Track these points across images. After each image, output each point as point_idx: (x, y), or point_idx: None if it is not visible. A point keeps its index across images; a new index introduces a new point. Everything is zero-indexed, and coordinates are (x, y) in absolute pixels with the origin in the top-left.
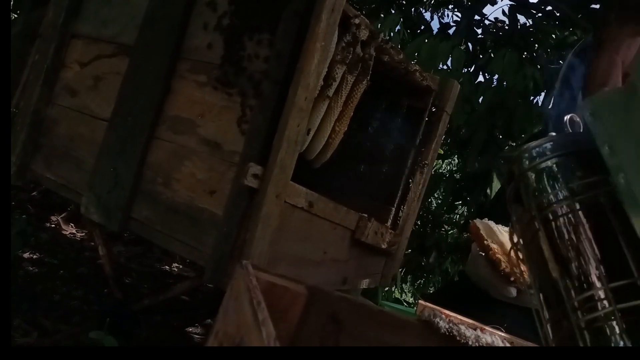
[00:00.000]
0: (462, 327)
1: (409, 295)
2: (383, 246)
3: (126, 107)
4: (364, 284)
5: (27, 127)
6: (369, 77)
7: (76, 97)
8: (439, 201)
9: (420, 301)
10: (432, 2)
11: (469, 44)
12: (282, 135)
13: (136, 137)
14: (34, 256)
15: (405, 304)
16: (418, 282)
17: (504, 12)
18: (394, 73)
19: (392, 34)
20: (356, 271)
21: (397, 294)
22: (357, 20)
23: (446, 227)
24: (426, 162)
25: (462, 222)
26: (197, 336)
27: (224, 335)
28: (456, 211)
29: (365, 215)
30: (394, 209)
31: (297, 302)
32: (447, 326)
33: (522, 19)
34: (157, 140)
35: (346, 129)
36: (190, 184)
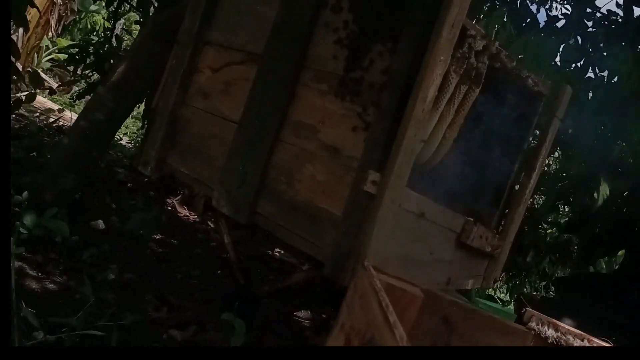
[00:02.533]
0: (570, 337)
1: (502, 292)
2: (487, 249)
3: (254, 111)
4: (467, 284)
5: (165, 125)
6: (480, 86)
7: (208, 100)
8: (541, 199)
9: (528, 309)
10: None
11: (578, 38)
12: (400, 145)
13: (263, 139)
14: (157, 236)
15: (499, 302)
16: (514, 280)
17: (617, 4)
18: (506, 78)
19: (498, 30)
20: (460, 272)
21: (490, 291)
22: (473, 32)
23: (545, 225)
24: (534, 167)
25: (563, 223)
26: (304, 321)
27: (351, 329)
28: (559, 212)
29: (472, 219)
30: (499, 212)
31: (414, 304)
32: (555, 335)
33: (637, 11)
34: (282, 143)
35: (456, 135)
36: (311, 185)
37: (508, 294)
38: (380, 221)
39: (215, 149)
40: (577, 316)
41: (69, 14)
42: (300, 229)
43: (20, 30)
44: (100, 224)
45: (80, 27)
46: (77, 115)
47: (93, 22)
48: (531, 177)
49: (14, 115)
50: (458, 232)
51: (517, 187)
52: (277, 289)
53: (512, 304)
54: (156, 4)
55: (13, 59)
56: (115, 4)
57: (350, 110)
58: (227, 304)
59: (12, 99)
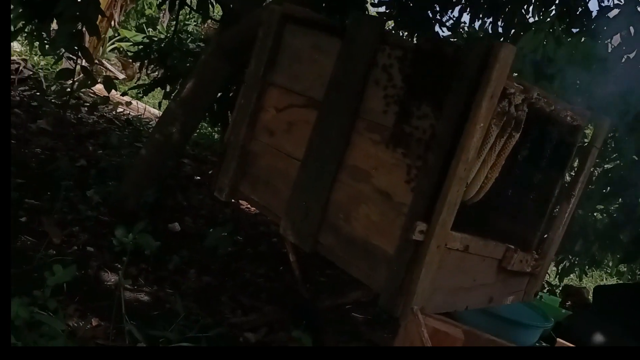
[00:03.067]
0: None
1: (552, 277)
2: (527, 270)
3: (314, 153)
4: (508, 300)
5: (237, 157)
6: (520, 131)
7: (273, 137)
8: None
9: (558, 339)
10: None
11: (631, 29)
12: (444, 200)
13: (323, 179)
14: (224, 234)
15: (546, 285)
16: (563, 264)
17: None
18: (546, 119)
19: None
20: (501, 291)
21: None
22: (512, 90)
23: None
24: (573, 193)
25: (614, 213)
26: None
27: None
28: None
29: (512, 246)
30: (539, 233)
31: (455, 344)
32: None
33: None
34: (339, 183)
35: (497, 174)
36: (366, 223)
37: (557, 278)
38: (427, 264)
39: (280, 182)
40: (614, 325)
41: (128, 2)
42: (357, 260)
43: None
44: (177, 226)
45: (137, 8)
46: (144, 107)
47: (149, 3)
48: (570, 202)
49: (94, 117)
50: (499, 258)
51: (556, 211)
52: (338, 304)
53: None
54: (218, 14)
55: (87, 64)
56: (176, 7)
57: (400, 161)
58: (294, 319)
59: (89, 102)
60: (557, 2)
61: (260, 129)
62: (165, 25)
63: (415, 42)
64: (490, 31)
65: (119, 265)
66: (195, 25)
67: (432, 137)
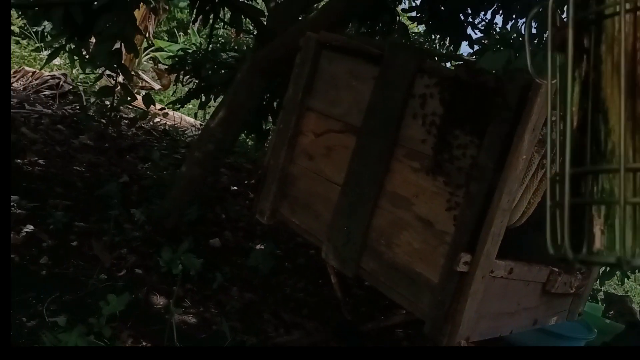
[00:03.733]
0: None
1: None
2: (571, 291)
3: (354, 178)
4: (552, 321)
5: (277, 181)
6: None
7: (312, 161)
8: None
9: None
10: None
11: None
12: (488, 231)
13: (363, 204)
14: (262, 246)
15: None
16: (604, 268)
17: None
18: None
19: None
20: (545, 312)
21: None
22: (553, 119)
23: None
24: None
25: None
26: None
27: None
28: None
29: (556, 269)
30: None
31: None
32: None
33: None
34: (380, 209)
35: (540, 199)
36: (408, 250)
37: (597, 282)
38: (472, 294)
39: (320, 206)
40: None
41: (161, 12)
42: (400, 287)
43: None
44: (217, 242)
45: (169, 16)
46: (180, 116)
47: (180, 8)
48: None
49: (133, 129)
50: (543, 282)
51: None
52: (381, 327)
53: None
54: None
55: (126, 81)
56: (210, 22)
57: (441, 189)
58: (337, 340)
59: (128, 117)
60: None
61: (299, 153)
62: (195, 29)
63: (453, 69)
64: (523, 32)
65: (167, 287)
66: (224, 28)
67: (473, 167)
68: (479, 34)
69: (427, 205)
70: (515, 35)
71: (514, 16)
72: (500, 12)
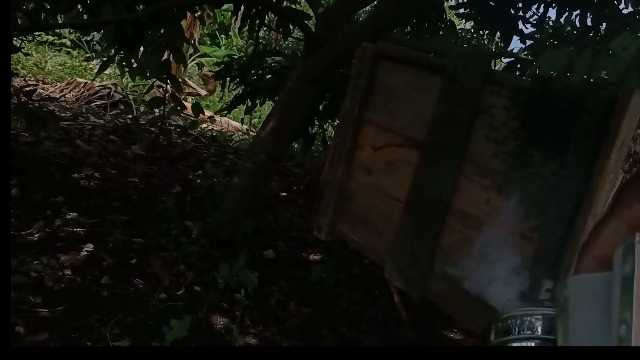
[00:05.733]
0: None
1: None
2: None
3: (419, 195)
4: None
5: (335, 196)
6: None
7: (372, 176)
8: None
9: None
10: None
11: None
12: (573, 257)
13: (430, 223)
14: (316, 256)
15: None
16: None
17: None
18: None
19: None
20: None
21: None
22: (639, 131)
23: None
24: None
25: None
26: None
27: None
28: None
29: None
30: None
31: None
32: None
33: None
34: (448, 228)
35: None
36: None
37: None
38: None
39: (381, 223)
40: None
41: (206, 18)
42: (473, 313)
43: None
44: (271, 253)
45: (213, 20)
46: (227, 121)
47: (222, 12)
48: None
49: (183, 138)
50: None
51: None
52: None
53: None
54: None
55: (176, 92)
56: (256, 28)
57: (517, 210)
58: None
59: (179, 125)
60: None
61: (357, 167)
62: (236, 31)
63: (525, 80)
64: (578, 25)
65: (226, 305)
66: (265, 30)
67: (554, 187)
68: (531, 29)
69: (501, 227)
70: (569, 28)
71: (567, 9)
72: (554, 4)
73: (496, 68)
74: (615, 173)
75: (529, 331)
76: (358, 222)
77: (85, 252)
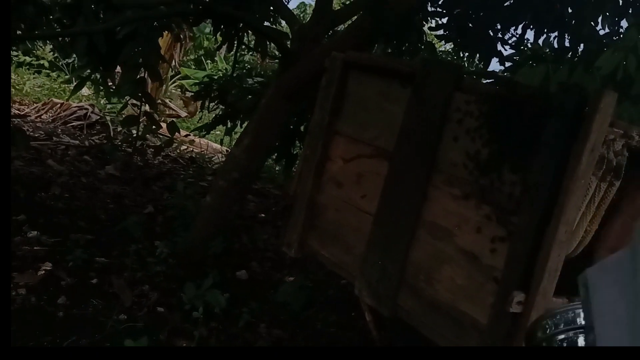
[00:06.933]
0: None
1: None
2: None
3: (388, 207)
4: None
5: (304, 210)
6: (621, 178)
7: (342, 189)
8: None
9: None
10: None
11: None
12: (544, 267)
13: (399, 236)
14: (291, 277)
15: None
16: None
17: None
18: None
19: None
20: None
21: None
22: (612, 136)
23: None
24: None
25: None
26: None
27: None
28: None
29: None
30: None
31: None
32: None
33: None
34: (418, 241)
35: (597, 227)
36: (450, 287)
37: None
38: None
39: (352, 237)
40: None
41: (187, 40)
42: (442, 327)
43: None
44: (244, 274)
45: (196, 43)
46: (206, 143)
47: (207, 37)
48: None
49: (159, 157)
50: None
51: None
52: None
53: None
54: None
55: (152, 110)
56: (234, 48)
57: (487, 220)
58: None
59: (154, 142)
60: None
61: (327, 180)
62: (222, 56)
63: (492, 87)
64: (556, 46)
65: (190, 326)
66: (251, 54)
67: (524, 194)
68: (510, 50)
69: (471, 237)
70: (548, 50)
71: (545, 30)
72: (532, 26)
73: None
74: (587, 178)
75: (572, 324)
76: (328, 238)
77: (43, 271)
